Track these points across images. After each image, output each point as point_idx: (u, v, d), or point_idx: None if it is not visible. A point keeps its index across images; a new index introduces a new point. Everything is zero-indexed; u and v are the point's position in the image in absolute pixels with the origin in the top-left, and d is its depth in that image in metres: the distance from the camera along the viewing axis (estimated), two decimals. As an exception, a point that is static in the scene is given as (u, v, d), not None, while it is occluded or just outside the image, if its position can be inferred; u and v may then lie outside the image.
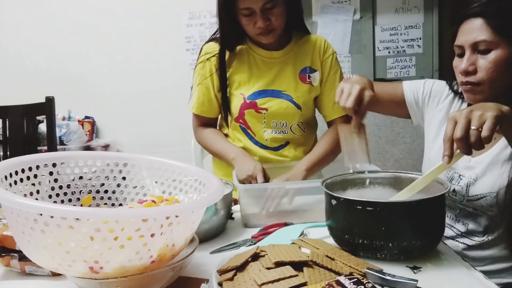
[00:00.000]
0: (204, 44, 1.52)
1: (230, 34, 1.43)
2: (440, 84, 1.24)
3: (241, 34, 1.43)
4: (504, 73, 1.02)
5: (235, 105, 1.46)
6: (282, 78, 1.46)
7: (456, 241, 1.14)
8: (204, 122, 1.55)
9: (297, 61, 1.47)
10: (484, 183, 1.08)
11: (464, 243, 1.13)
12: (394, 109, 1.31)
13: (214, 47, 1.47)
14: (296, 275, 0.76)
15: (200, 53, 1.51)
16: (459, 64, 1.06)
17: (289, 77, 1.46)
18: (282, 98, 1.45)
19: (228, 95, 1.47)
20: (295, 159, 1.49)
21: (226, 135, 1.55)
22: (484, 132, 0.84)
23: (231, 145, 1.48)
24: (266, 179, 1.31)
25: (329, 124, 1.55)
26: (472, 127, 0.85)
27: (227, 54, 1.46)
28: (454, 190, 1.14)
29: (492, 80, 1.02)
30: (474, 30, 1.02)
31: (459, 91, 1.19)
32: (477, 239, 1.11)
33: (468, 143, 0.85)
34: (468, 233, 1.12)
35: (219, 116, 1.57)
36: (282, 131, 1.48)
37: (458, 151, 0.88)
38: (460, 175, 1.13)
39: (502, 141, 1.07)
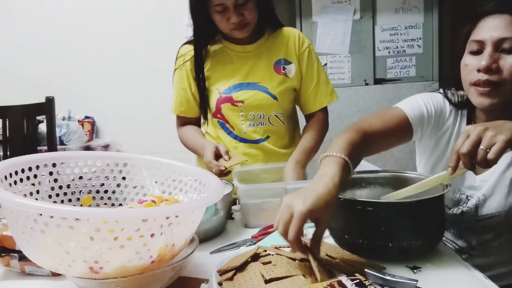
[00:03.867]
0: (180, 47, 1.54)
1: (204, 31, 1.45)
2: (438, 100, 1.13)
3: (214, 31, 1.46)
4: None
5: (212, 100, 1.49)
6: (257, 71, 1.48)
7: (458, 252, 1.12)
8: (184, 121, 1.58)
9: (271, 53, 1.49)
10: (494, 202, 1.06)
11: (466, 253, 1.11)
12: (399, 138, 1.12)
13: (190, 48, 1.50)
14: (303, 275, 0.76)
15: (177, 56, 1.54)
16: (476, 62, 0.98)
17: (263, 69, 1.48)
18: (257, 90, 1.46)
19: (205, 92, 1.50)
20: (277, 153, 1.51)
21: (206, 133, 1.58)
22: (491, 155, 0.81)
23: (200, 140, 1.49)
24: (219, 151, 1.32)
25: (308, 116, 1.56)
26: (481, 147, 0.82)
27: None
28: (461, 212, 1.10)
29: None
30: (499, 26, 0.95)
31: (457, 102, 1.11)
32: (479, 249, 1.09)
33: (473, 160, 0.83)
34: (470, 248, 1.10)
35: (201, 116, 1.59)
36: (260, 123, 1.49)
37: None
38: (467, 196, 1.10)
39: (505, 158, 1.03)
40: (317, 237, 0.80)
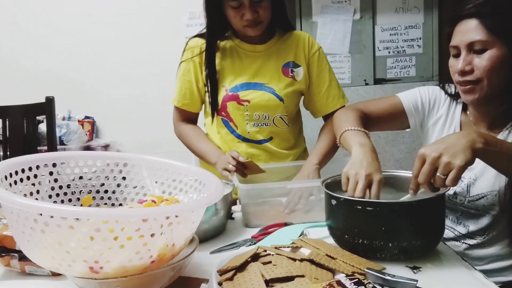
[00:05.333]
0: (190, 39, 1.53)
1: (216, 27, 1.45)
2: (435, 89, 1.25)
3: (226, 27, 1.46)
4: (500, 72, 1.03)
5: (218, 97, 1.48)
6: (265, 71, 1.47)
7: (458, 241, 1.14)
8: (185, 117, 1.57)
9: (280, 55, 1.49)
10: (484, 182, 1.09)
11: (466, 243, 1.13)
12: (393, 123, 1.29)
13: (200, 42, 1.49)
14: (303, 276, 0.76)
15: (184, 48, 1.53)
16: (455, 64, 1.07)
17: (272, 70, 1.47)
18: (264, 90, 1.46)
19: (216, 87, 1.49)
20: (280, 154, 1.50)
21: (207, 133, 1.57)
22: (448, 182, 0.87)
23: (213, 147, 1.48)
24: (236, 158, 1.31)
25: (325, 118, 1.56)
26: (438, 174, 0.87)
27: None
28: (455, 193, 1.14)
29: (489, 78, 1.03)
30: (469, 30, 1.03)
31: (453, 93, 1.20)
32: (478, 238, 1.11)
33: (433, 184, 0.89)
34: (469, 235, 1.13)
35: (200, 113, 1.58)
36: (265, 124, 1.48)
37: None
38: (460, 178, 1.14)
39: None
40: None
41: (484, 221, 1.10)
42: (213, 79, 1.48)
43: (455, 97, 1.20)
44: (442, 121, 1.21)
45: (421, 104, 1.24)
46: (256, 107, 1.46)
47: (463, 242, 1.13)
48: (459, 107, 1.19)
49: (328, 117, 1.54)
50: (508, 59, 1.02)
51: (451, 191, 1.14)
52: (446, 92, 1.22)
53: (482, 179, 1.09)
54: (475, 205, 1.10)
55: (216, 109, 1.50)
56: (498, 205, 1.07)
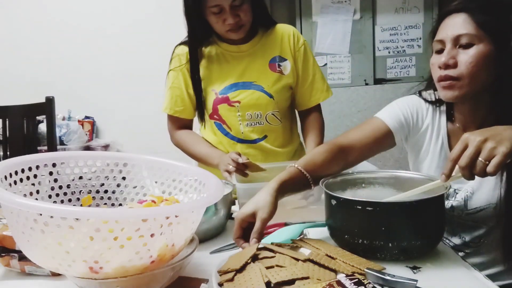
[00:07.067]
0: (176, 47, 1.54)
1: (198, 33, 1.45)
2: (413, 100, 1.18)
3: (208, 31, 1.46)
4: (484, 69, 0.99)
5: (209, 101, 1.49)
6: (252, 70, 1.48)
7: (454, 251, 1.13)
8: (180, 124, 1.57)
9: (265, 52, 1.49)
10: (482, 195, 1.07)
11: (462, 251, 1.11)
12: (380, 145, 1.17)
13: (186, 49, 1.50)
14: (307, 277, 0.76)
15: (172, 56, 1.54)
16: (438, 59, 1.03)
17: (259, 67, 1.48)
18: (253, 89, 1.47)
19: (201, 93, 1.50)
20: (275, 152, 1.51)
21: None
22: (490, 168, 0.81)
23: (213, 149, 1.49)
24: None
25: (303, 113, 1.57)
26: (480, 159, 0.82)
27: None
28: (452, 206, 1.11)
29: (472, 75, 0.99)
30: (457, 24, 1.00)
31: (434, 99, 1.15)
32: (473, 249, 1.10)
33: (472, 171, 0.83)
34: (463, 245, 1.11)
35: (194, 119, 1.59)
36: (258, 122, 1.49)
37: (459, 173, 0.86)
38: (455, 190, 1.11)
39: None
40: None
41: (480, 232, 1.09)
42: (197, 86, 1.49)
43: (436, 103, 1.15)
44: (430, 132, 1.16)
45: (404, 119, 1.16)
46: (247, 107, 1.47)
47: (458, 252, 1.12)
48: (443, 117, 1.14)
49: (308, 113, 1.55)
50: (492, 58, 0.99)
51: (448, 205, 1.11)
52: (426, 100, 1.17)
53: (479, 193, 1.07)
54: (473, 217, 1.09)
55: (203, 114, 1.51)
56: (495, 217, 1.06)
